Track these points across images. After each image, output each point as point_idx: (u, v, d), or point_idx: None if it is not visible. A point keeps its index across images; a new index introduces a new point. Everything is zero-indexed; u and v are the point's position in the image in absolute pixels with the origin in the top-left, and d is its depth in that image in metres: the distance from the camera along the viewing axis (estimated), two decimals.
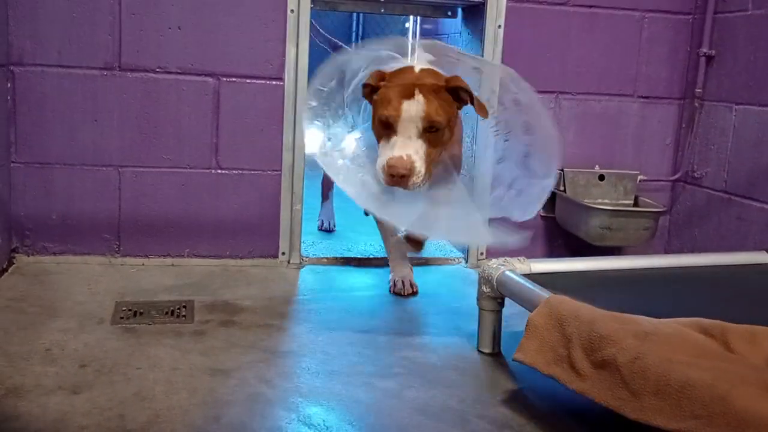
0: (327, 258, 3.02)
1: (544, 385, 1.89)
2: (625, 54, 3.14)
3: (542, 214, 3.18)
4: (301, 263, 2.95)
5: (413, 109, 2.06)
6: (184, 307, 2.39)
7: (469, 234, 2.36)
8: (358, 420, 1.73)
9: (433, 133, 2.08)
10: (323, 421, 1.71)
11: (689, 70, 3.18)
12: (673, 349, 1.56)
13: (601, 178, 3.14)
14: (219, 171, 2.84)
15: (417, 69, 2.18)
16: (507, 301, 2.12)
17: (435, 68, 2.21)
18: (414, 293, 2.67)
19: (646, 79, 3.17)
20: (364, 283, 2.79)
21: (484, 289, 2.13)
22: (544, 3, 3.03)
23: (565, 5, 3.05)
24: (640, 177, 3.18)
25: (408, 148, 2.06)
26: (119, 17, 2.69)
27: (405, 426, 1.71)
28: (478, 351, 2.16)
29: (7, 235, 2.71)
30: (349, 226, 3.48)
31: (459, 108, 2.20)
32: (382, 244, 2.78)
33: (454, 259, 3.13)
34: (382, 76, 2.16)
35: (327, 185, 3.47)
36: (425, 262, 3.06)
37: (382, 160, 2.09)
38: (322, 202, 3.51)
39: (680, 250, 3.22)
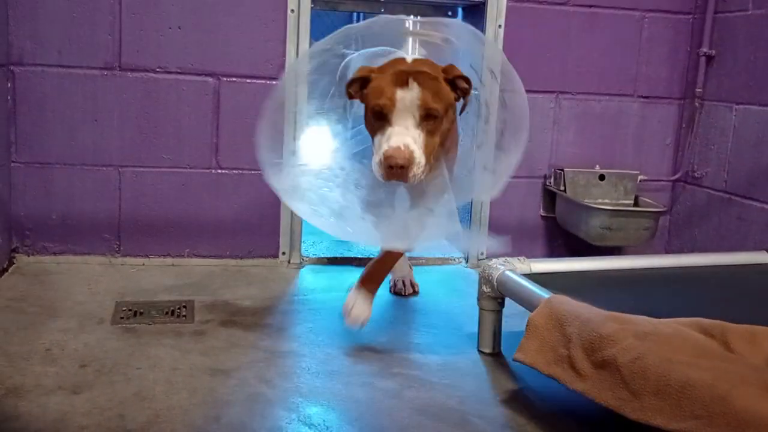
0: (327, 258, 3.02)
1: (544, 385, 1.89)
2: (626, 54, 3.14)
3: (542, 214, 3.18)
4: (301, 263, 2.95)
5: (408, 96, 1.93)
6: (185, 307, 2.39)
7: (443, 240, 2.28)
8: (358, 420, 1.73)
9: (430, 122, 1.96)
10: (323, 421, 1.71)
11: (689, 70, 3.18)
12: (674, 349, 1.56)
13: (602, 178, 3.14)
14: (219, 171, 2.84)
15: (409, 59, 2.08)
16: (507, 301, 2.12)
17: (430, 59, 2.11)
18: (415, 293, 2.66)
19: (646, 79, 3.17)
20: None
21: (485, 289, 2.13)
22: (545, 3, 3.03)
23: (565, 5, 3.05)
24: (640, 177, 3.18)
25: (405, 137, 1.93)
26: (119, 17, 2.69)
27: (405, 426, 1.71)
28: (479, 351, 2.16)
29: (7, 235, 2.71)
30: None
31: (457, 99, 2.08)
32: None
33: (454, 259, 3.13)
34: (370, 69, 2.06)
35: None
36: (425, 262, 3.06)
37: (378, 155, 1.97)
38: None
39: (680, 250, 3.22)
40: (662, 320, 1.71)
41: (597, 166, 3.17)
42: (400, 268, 2.67)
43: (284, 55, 2.80)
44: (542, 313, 1.82)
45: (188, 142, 2.79)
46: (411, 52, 2.31)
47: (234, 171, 2.84)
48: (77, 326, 2.18)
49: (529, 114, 2.16)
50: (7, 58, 2.63)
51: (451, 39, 2.24)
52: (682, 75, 3.20)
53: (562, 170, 3.08)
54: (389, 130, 1.95)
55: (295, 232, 2.92)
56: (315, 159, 2.23)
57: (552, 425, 1.75)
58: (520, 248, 3.04)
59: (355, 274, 2.86)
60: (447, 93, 2.02)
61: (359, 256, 3.05)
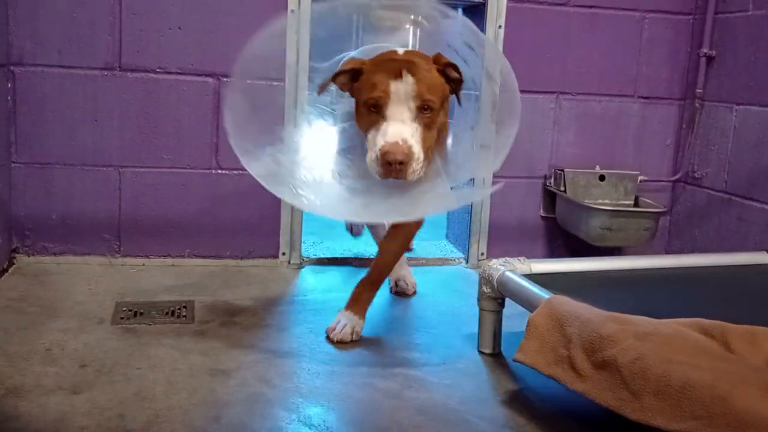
0: (327, 258, 3.02)
1: (544, 385, 1.89)
2: (626, 54, 3.14)
3: (542, 215, 3.18)
4: (301, 263, 2.94)
5: (403, 88, 1.87)
6: (185, 307, 2.39)
7: (439, 204, 2.17)
8: (358, 420, 1.73)
9: (427, 114, 1.89)
10: (323, 421, 1.71)
11: (690, 71, 3.18)
12: (674, 349, 1.56)
13: (602, 178, 3.14)
14: (219, 171, 2.84)
15: (400, 51, 2.02)
16: (507, 301, 2.12)
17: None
18: (414, 293, 2.66)
19: (646, 80, 3.17)
20: None
21: (485, 289, 2.13)
22: (545, 3, 3.03)
23: (566, 5, 3.05)
24: (640, 177, 3.18)
25: (402, 131, 1.85)
26: (119, 17, 2.69)
27: (405, 426, 1.71)
28: (479, 351, 2.16)
29: (8, 235, 2.71)
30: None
31: (452, 91, 2.02)
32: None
33: (454, 260, 3.13)
34: (361, 61, 1.99)
35: None
36: (425, 263, 3.06)
37: (373, 152, 1.88)
38: None
39: (680, 251, 3.22)
40: (662, 321, 1.71)
41: (597, 166, 3.17)
42: (398, 267, 2.64)
43: (284, 56, 2.79)
44: (542, 313, 1.82)
45: (188, 142, 2.79)
46: (412, 44, 2.26)
47: (234, 171, 2.84)
48: (77, 326, 2.17)
49: (515, 77, 2.07)
50: (7, 58, 2.63)
51: (422, 21, 2.20)
52: (683, 75, 3.20)
53: (563, 171, 3.08)
54: (384, 125, 1.88)
55: (295, 233, 2.92)
56: (297, 149, 2.15)
57: (552, 426, 1.74)
58: (520, 249, 3.04)
59: (355, 275, 2.87)
60: (441, 84, 1.96)
61: (359, 257, 3.05)
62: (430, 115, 1.91)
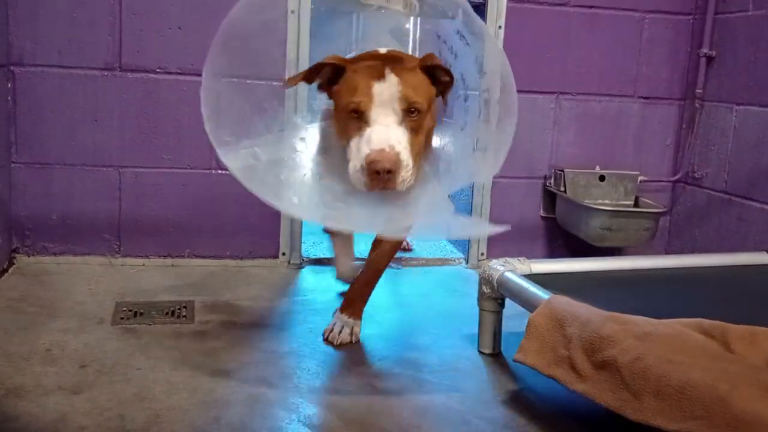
0: (327, 258, 3.02)
1: (544, 385, 1.89)
2: (626, 54, 3.14)
3: (542, 215, 3.18)
4: (301, 264, 2.94)
5: (387, 90, 1.71)
6: (185, 307, 2.39)
7: (442, 229, 1.99)
8: (359, 420, 1.73)
9: (414, 118, 1.74)
10: (323, 421, 1.71)
11: (690, 71, 3.18)
12: (674, 349, 1.56)
13: (602, 178, 3.14)
14: (219, 171, 2.84)
15: (383, 51, 1.90)
16: (507, 301, 2.12)
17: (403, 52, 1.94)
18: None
19: (646, 80, 3.17)
20: None
21: (485, 289, 2.13)
22: (545, 3, 3.03)
23: (566, 6, 3.05)
24: (640, 177, 3.18)
25: (389, 137, 1.69)
26: (119, 17, 2.69)
27: (405, 426, 1.71)
28: (479, 352, 2.16)
29: (8, 236, 2.71)
30: None
31: (438, 94, 1.88)
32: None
33: (454, 260, 3.13)
34: (341, 59, 1.83)
35: None
36: (425, 263, 3.06)
37: (357, 161, 1.71)
38: None
39: (680, 251, 3.22)
40: (662, 321, 1.71)
41: (597, 166, 3.17)
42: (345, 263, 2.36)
43: (284, 56, 2.79)
44: (542, 313, 1.82)
45: (188, 142, 2.79)
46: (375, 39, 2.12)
47: None
48: (77, 326, 2.17)
49: (511, 71, 1.87)
50: (7, 58, 2.63)
51: (413, 2, 2.04)
52: (683, 76, 3.20)
53: (563, 171, 3.08)
54: (368, 131, 1.71)
55: (295, 233, 2.92)
56: (279, 145, 1.95)
57: (552, 426, 1.74)
58: (520, 249, 3.04)
59: None
60: (428, 85, 1.82)
61: (359, 257, 3.04)
62: (417, 118, 1.75)
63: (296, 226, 2.91)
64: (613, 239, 2.94)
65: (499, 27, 2.98)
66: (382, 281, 2.26)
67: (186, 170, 2.82)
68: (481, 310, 2.16)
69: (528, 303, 1.93)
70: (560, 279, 2.12)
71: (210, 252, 2.89)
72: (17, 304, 2.34)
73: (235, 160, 1.77)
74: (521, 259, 2.18)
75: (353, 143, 1.74)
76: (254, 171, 1.80)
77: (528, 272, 2.12)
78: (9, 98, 2.66)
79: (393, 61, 1.79)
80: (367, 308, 2.25)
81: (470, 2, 3.06)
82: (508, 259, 2.16)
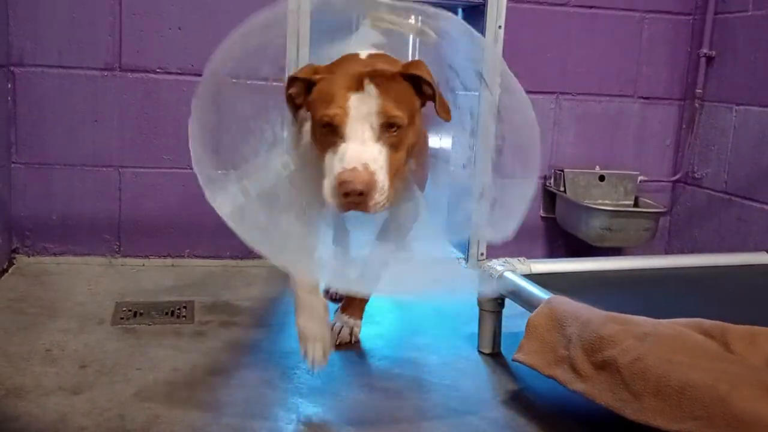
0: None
1: (544, 385, 1.89)
2: (626, 55, 3.13)
3: (542, 215, 3.18)
4: None
5: (364, 103, 1.55)
6: (185, 307, 2.39)
7: (446, 285, 1.81)
8: (358, 420, 1.73)
9: (393, 133, 1.57)
10: (323, 421, 1.71)
11: (689, 71, 3.18)
12: (674, 350, 1.56)
13: (602, 178, 3.14)
14: (219, 171, 2.83)
15: (363, 55, 1.70)
16: (507, 301, 2.12)
17: (387, 53, 1.75)
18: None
19: (646, 80, 3.17)
20: None
21: None
22: (545, 3, 3.03)
23: (566, 6, 3.05)
24: (640, 178, 3.18)
25: (363, 155, 1.53)
26: (119, 18, 2.69)
27: (405, 427, 1.71)
28: (479, 351, 2.16)
29: (8, 236, 2.71)
30: None
31: (422, 104, 1.69)
32: None
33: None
34: (314, 69, 1.67)
35: None
36: None
37: (329, 179, 1.55)
38: None
39: (680, 251, 3.22)
40: (662, 321, 1.71)
41: (597, 166, 3.17)
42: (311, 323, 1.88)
43: (284, 56, 2.79)
44: (542, 313, 1.82)
45: (188, 142, 2.79)
46: (358, 35, 1.92)
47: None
48: (77, 327, 2.17)
49: (537, 127, 1.76)
50: (8, 58, 2.63)
51: (428, 31, 1.83)
52: (683, 76, 3.20)
53: (562, 171, 3.08)
54: (342, 147, 1.55)
55: None
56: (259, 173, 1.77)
57: (552, 426, 1.74)
58: (520, 249, 3.03)
59: None
60: (411, 96, 1.64)
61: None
62: (398, 134, 1.58)
63: None
64: (613, 239, 2.94)
65: (499, 27, 2.97)
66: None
67: (186, 170, 2.81)
68: (481, 310, 2.16)
69: (528, 303, 1.93)
70: (560, 279, 2.12)
71: (210, 252, 2.88)
72: (17, 304, 2.34)
73: (224, 202, 1.66)
74: (521, 259, 2.18)
75: (327, 159, 1.58)
76: (244, 212, 1.68)
77: (528, 272, 2.12)
78: (9, 98, 2.66)
79: (373, 68, 1.59)
80: (368, 308, 2.25)
81: (470, 2, 3.09)
82: (508, 259, 2.16)
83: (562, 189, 3.08)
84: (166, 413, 1.69)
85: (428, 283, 1.73)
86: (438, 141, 2.06)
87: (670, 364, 1.50)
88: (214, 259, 2.88)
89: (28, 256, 2.77)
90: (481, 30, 2.97)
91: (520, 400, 1.87)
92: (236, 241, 2.95)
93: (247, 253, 2.91)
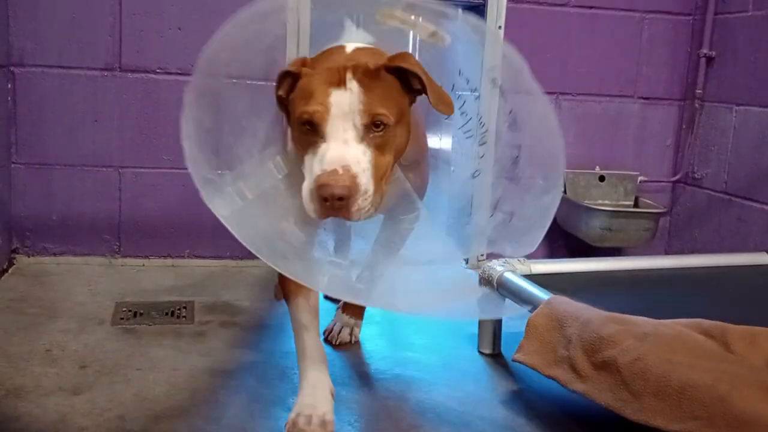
0: None
1: (544, 385, 1.89)
2: (626, 55, 3.13)
3: None
4: None
5: (346, 99, 1.43)
6: (185, 307, 2.39)
7: (455, 301, 1.69)
8: (358, 420, 1.73)
9: (378, 133, 1.45)
10: None
11: (689, 71, 3.18)
12: (674, 350, 1.56)
13: (602, 179, 3.14)
14: (219, 172, 2.83)
15: (349, 48, 1.59)
16: (507, 302, 2.11)
17: (377, 48, 1.65)
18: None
19: (646, 80, 3.17)
20: None
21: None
22: (545, 4, 3.03)
23: (566, 6, 3.05)
24: (640, 178, 3.18)
25: (345, 156, 1.41)
26: (119, 18, 2.69)
27: (405, 427, 1.71)
28: (479, 351, 2.16)
29: (8, 236, 2.71)
30: None
31: (412, 101, 1.56)
32: None
33: None
34: (304, 62, 1.56)
35: None
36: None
37: (308, 182, 1.44)
38: None
39: (681, 251, 3.22)
40: (662, 321, 1.71)
41: (597, 167, 3.17)
42: (313, 387, 1.70)
43: (284, 56, 2.79)
44: (542, 314, 1.82)
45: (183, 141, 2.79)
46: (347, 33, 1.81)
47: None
48: (77, 327, 2.17)
49: (560, 135, 1.65)
50: (8, 59, 2.63)
51: (441, 33, 1.73)
52: (683, 76, 3.20)
53: None
54: (323, 147, 1.43)
55: None
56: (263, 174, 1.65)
57: (552, 426, 1.74)
58: None
59: None
60: (398, 92, 1.51)
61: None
62: (383, 133, 1.45)
63: None
64: (613, 240, 2.94)
65: (499, 27, 2.97)
66: None
67: (186, 170, 2.75)
68: None
69: (528, 303, 1.93)
70: (560, 279, 2.12)
71: (210, 252, 2.88)
72: (17, 304, 2.34)
73: (222, 205, 1.57)
74: (521, 259, 2.17)
75: (307, 161, 1.47)
76: (242, 216, 1.57)
77: (528, 272, 2.12)
78: (9, 99, 2.66)
79: (356, 63, 1.48)
80: (368, 308, 2.25)
81: (470, 2, 3.08)
82: (507, 259, 2.16)
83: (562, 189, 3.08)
84: (166, 413, 1.69)
85: (437, 298, 1.61)
86: (438, 141, 1.97)
87: (670, 364, 1.50)
88: (214, 259, 2.88)
89: (28, 256, 2.77)
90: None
91: (520, 400, 1.87)
92: (236, 241, 2.95)
93: (247, 253, 2.89)
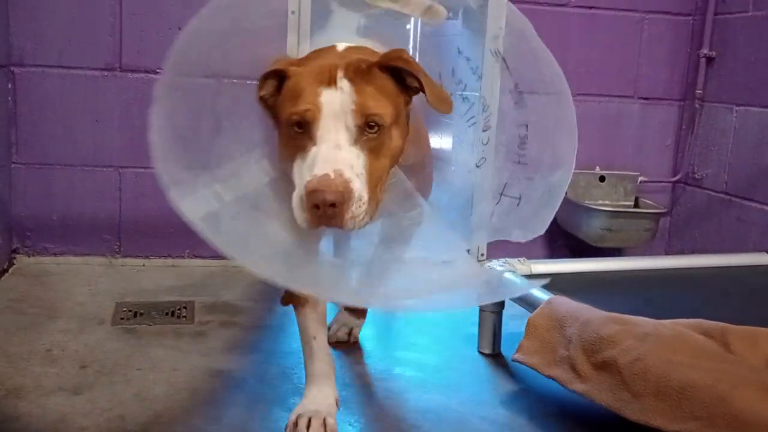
0: None
1: (544, 386, 1.89)
2: (626, 55, 3.13)
3: None
4: None
5: (338, 99, 1.34)
6: (185, 307, 2.39)
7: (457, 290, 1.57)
8: (358, 420, 1.73)
9: (373, 135, 1.36)
10: None
11: (689, 71, 3.18)
12: (674, 350, 1.56)
13: (602, 179, 3.14)
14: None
15: (340, 47, 1.49)
16: (507, 301, 2.12)
17: (374, 40, 1.57)
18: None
19: (646, 80, 3.17)
20: None
21: None
22: (545, 4, 3.03)
23: (566, 6, 3.05)
24: (640, 178, 3.18)
25: (336, 160, 1.31)
26: (120, 18, 2.69)
27: (405, 427, 1.71)
28: (479, 352, 2.16)
29: (8, 236, 2.71)
30: None
31: (408, 100, 1.48)
32: None
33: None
34: (290, 61, 1.47)
35: None
36: None
37: (298, 189, 1.34)
38: None
39: (681, 252, 3.22)
40: (662, 321, 1.71)
41: (597, 167, 3.17)
42: (317, 392, 1.69)
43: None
44: (542, 314, 1.82)
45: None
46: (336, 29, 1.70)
47: None
48: (77, 327, 2.17)
49: (571, 104, 1.55)
50: (8, 58, 2.63)
51: (437, 7, 1.63)
52: (683, 76, 3.20)
53: None
54: (313, 151, 1.34)
55: None
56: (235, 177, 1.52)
57: (552, 426, 1.74)
58: (520, 249, 3.03)
59: None
60: (394, 92, 1.43)
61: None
62: (378, 135, 1.37)
63: None
64: (614, 240, 2.94)
65: (500, 27, 2.97)
66: None
67: None
68: (481, 310, 2.15)
69: (528, 303, 1.93)
70: (560, 279, 2.11)
71: (210, 252, 2.88)
72: (17, 304, 2.34)
73: (193, 206, 1.45)
74: (521, 259, 2.18)
75: (296, 166, 1.37)
76: (219, 220, 1.45)
77: (528, 272, 2.12)
78: (9, 99, 2.66)
79: (348, 61, 1.39)
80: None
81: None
82: (508, 259, 2.16)
83: None
84: (166, 413, 1.69)
85: (436, 289, 1.50)
86: (439, 141, 1.87)
87: (671, 364, 1.51)
88: (214, 259, 2.88)
89: (29, 256, 2.77)
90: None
91: (520, 400, 1.87)
92: None
93: None
